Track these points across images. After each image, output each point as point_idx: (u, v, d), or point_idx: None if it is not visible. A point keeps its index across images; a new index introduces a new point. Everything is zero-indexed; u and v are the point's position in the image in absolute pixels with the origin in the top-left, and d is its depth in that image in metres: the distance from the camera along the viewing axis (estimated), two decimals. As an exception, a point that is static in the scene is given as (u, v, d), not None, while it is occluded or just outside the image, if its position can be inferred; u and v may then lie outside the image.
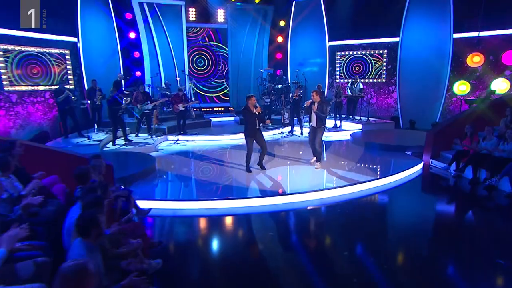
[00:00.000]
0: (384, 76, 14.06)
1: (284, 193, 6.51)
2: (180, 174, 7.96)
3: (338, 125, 12.46)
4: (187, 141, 11.30)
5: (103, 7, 12.58)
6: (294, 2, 15.14)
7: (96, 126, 11.31)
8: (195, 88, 15.01)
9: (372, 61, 14.17)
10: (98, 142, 9.61)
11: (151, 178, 7.48)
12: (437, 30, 12.51)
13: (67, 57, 11.36)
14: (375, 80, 14.28)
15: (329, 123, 12.68)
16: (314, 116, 7.71)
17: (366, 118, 12.96)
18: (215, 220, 5.87)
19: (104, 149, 9.68)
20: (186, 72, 14.76)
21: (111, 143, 10.11)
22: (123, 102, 9.70)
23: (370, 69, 14.28)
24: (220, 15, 15.11)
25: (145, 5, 13.63)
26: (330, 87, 15.03)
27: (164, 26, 14.15)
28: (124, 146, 9.86)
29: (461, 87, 12.17)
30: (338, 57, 14.75)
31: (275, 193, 6.49)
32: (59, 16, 10.79)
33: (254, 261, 4.58)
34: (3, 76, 9.57)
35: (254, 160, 7.96)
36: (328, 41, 14.74)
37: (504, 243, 4.96)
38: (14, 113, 9.99)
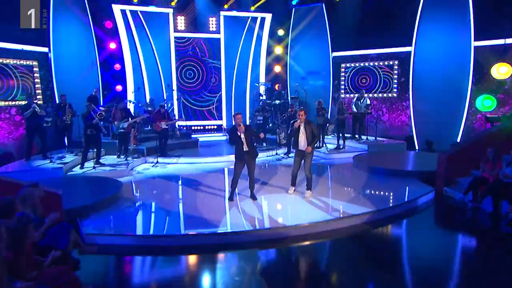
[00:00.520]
0: (395, 90, 13.61)
1: (259, 228, 6.00)
2: (149, 202, 7.56)
3: (341, 146, 11.95)
4: (168, 163, 10.92)
5: (79, 13, 12.47)
6: (293, 8, 14.95)
7: (66, 147, 10.99)
8: (185, 101, 14.74)
9: (381, 73, 13.76)
10: (62, 166, 9.24)
11: (114, 207, 7.06)
12: (455, 37, 12.08)
13: (35, 69, 11.18)
14: (385, 95, 13.82)
15: (331, 143, 12.41)
16: (302, 138, 7.40)
17: (374, 138, 12.43)
18: (177, 259, 5.37)
19: (70, 173, 9.30)
20: (174, 87, 14.53)
21: (79, 166, 9.77)
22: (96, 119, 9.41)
23: (378, 83, 13.86)
24: (212, 24, 14.96)
25: (128, 12, 13.55)
26: (335, 103, 14.60)
27: (149, 35, 14.03)
28: (93, 170, 9.47)
29: (486, 102, 11.61)
30: (343, 69, 14.38)
31: (254, 227, 6.05)
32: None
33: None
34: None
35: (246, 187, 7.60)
36: (332, 52, 14.41)
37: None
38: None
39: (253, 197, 7.44)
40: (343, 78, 14.47)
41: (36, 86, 11.30)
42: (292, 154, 11.55)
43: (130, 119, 10.56)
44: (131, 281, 5.03)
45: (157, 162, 10.83)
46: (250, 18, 14.97)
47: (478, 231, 6.51)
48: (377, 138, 12.40)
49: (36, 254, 3.97)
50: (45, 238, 4.29)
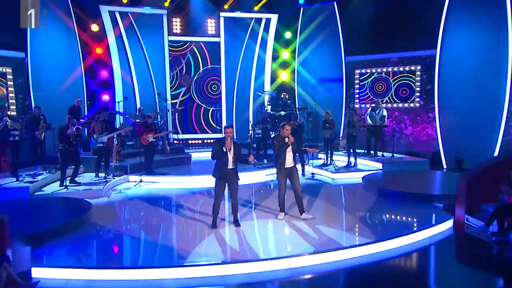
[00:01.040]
0: (418, 99, 13.02)
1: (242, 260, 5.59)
2: (117, 229, 7.20)
3: (352, 164, 11.43)
4: (153, 182, 10.64)
5: (62, 15, 12.43)
6: (301, 8, 14.64)
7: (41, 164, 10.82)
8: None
9: (402, 80, 13.22)
10: (29, 184, 9.04)
11: (75, 234, 6.74)
12: (489, 37, 11.44)
13: (8, 76, 11.13)
14: (406, 105, 13.24)
15: (340, 160, 11.96)
16: (290, 155, 7.24)
17: (391, 155, 11.85)
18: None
19: (38, 193, 9.09)
20: (169, 97, 14.38)
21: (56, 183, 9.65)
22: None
23: (398, 91, 13.32)
24: (211, 26, 14.79)
25: (117, 14, 13.52)
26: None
27: (141, 39, 13.97)
28: (65, 190, 9.24)
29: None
30: (357, 76, 13.91)
31: (236, 260, 5.69)
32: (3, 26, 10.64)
33: None
34: None
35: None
36: (345, 56, 13.98)
37: None
38: None
39: (236, 223, 7.06)
40: (357, 86, 13.97)
41: (10, 95, 11.22)
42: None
43: (112, 132, 10.36)
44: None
45: (141, 181, 10.56)
46: (253, 19, 14.75)
47: (505, 272, 5.88)
48: (394, 155, 11.81)
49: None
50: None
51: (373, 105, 12.44)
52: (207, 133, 15.29)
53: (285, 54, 15.22)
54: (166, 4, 13.88)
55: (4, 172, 10.03)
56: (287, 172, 7.31)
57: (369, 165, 11.59)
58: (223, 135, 6.92)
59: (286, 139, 7.19)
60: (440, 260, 6.46)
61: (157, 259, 5.96)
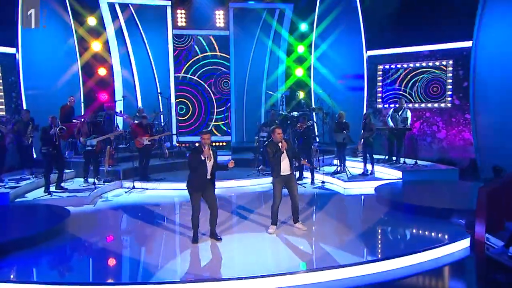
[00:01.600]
0: (449, 99, 12.57)
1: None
2: (93, 240, 7.24)
3: (368, 172, 11.15)
4: (146, 189, 10.75)
5: (57, 8, 12.71)
6: (319, -4, 14.50)
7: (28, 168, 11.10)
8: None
9: (432, 76, 12.80)
10: (9, 190, 9.29)
11: (47, 245, 6.86)
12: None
13: (-4, 74, 11.48)
14: (435, 105, 12.80)
15: (357, 167, 11.77)
16: (286, 161, 7.22)
17: (414, 162, 11.49)
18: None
19: (19, 199, 9.33)
20: (173, 96, 14.52)
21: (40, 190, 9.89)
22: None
23: (427, 89, 12.91)
24: (220, 18, 14.83)
25: (116, 6, 13.75)
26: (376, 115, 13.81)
27: (143, 34, 14.15)
28: (48, 196, 9.44)
29: None
30: (380, 72, 13.57)
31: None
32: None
33: None
34: None
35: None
36: (366, 51, 13.69)
37: None
38: None
39: (216, 237, 7.01)
40: (379, 84, 13.64)
41: (-1, 94, 11.58)
42: (305, 181, 11.05)
43: (100, 134, 10.52)
44: None
45: (133, 187, 10.67)
46: (266, 10, 14.68)
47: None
48: (418, 162, 11.44)
49: None
50: None
51: (397, 105, 12.10)
52: (215, 135, 15.31)
53: (300, 49, 15.05)
54: (170, -6, 14.02)
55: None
56: (283, 180, 7.29)
57: (389, 174, 11.24)
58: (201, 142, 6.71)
59: (280, 145, 7.11)
60: (451, 285, 6.19)
61: (123, 275, 6.07)
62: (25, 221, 7.92)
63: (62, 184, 10.09)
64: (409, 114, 11.73)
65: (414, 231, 7.63)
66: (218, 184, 9.65)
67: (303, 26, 15.04)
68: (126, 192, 10.47)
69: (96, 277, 6.02)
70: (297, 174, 11.28)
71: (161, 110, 13.97)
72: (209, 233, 7.07)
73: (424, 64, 12.91)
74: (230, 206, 9.41)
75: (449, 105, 12.58)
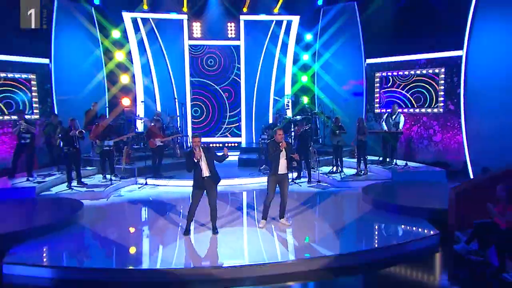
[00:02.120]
0: (442, 104, 12.43)
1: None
2: (99, 230, 7.59)
3: (362, 172, 11.17)
4: (158, 185, 11.08)
5: (85, 22, 13.23)
6: (322, 9, 14.51)
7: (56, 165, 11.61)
8: None
9: (425, 84, 12.69)
10: (36, 185, 9.79)
11: (60, 234, 7.27)
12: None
13: (32, 82, 12.06)
14: (429, 110, 12.69)
15: (352, 168, 11.81)
16: (284, 160, 7.36)
17: (405, 163, 11.43)
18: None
19: (44, 193, 9.81)
20: (188, 101, 14.83)
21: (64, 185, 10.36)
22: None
23: (422, 96, 12.82)
24: (231, 30, 15.07)
25: (138, 20, 14.16)
26: (372, 119, 13.80)
27: (161, 44, 14.51)
28: (70, 190, 9.90)
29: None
30: (377, 79, 13.53)
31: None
32: (28, 34, 11.53)
33: None
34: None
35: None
36: (365, 59, 13.67)
37: None
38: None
39: (214, 231, 7.23)
40: (377, 90, 13.60)
41: (34, 100, 12.15)
42: (303, 180, 11.17)
43: (116, 136, 10.92)
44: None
45: (146, 183, 11.03)
46: (274, 22, 14.83)
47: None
48: (408, 164, 11.39)
49: None
50: None
51: (389, 110, 12.09)
52: (227, 137, 15.58)
53: (305, 57, 15.13)
54: (184, 9, 14.29)
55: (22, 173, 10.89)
56: (278, 179, 7.44)
57: (381, 174, 11.23)
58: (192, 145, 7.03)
59: (280, 144, 7.30)
60: (417, 278, 6.22)
61: (114, 261, 6.39)
62: (43, 212, 8.34)
63: (83, 180, 10.57)
64: (402, 118, 11.70)
65: (391, 227, 7.72)
66: (223, 181, 10.18)
67: (308, 37, 15.09)
68: (139, 188, 10.82)
69: (95, 262, 6.35)
70: (295, 174, 11.48)
71: (177, 114, 14.29)
72: (208, 225, 7.42)
73: (418, 72, 12.81)
74: (231, 202, 9.57)
75: (441, 110, 12.44)
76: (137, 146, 13.05)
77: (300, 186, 10.85)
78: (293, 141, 11.81)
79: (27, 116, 11.35)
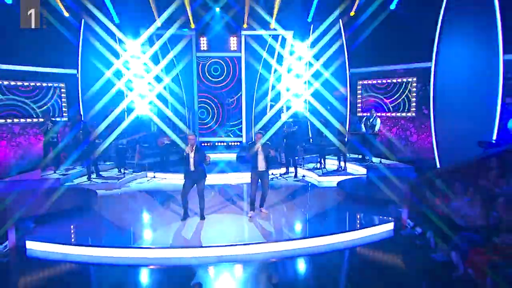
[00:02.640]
0: (414, 109, 12.78)
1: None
2: (108, 215, 8.32)
3: (342, 168, 11.62)
4: (165, 178, 11.69)
5: (108, 39, 13.93)
6: (312, 25, 14.94)
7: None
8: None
9: (400, 91, 13.04)
10: (62, 176, 10.53)
11: (76, 217, 8.04)
12: (480, 51, 11.02)
13: (62, 90, 12.84)
14: (403, 114, 13.03)
15: (334, 165, 12.16)
16: (261, 159, 7.86)
17: (379, 161, 11.83)
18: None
19: (67, 184, 10.51)
20: (196, 107, 15.41)
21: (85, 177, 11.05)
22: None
23: (395, 101, 13.16)
24: (233, 43, 15.60)
25: (154, 36, 14.81)
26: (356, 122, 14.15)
27: (173, 56, 15.09)
28: (89, 182, 10.61)
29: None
30: (360, 87, 13.91)
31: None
32: (58, 48, 12.38)
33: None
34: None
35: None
36: (349, 69, 14.06)
37: None
38: (16, 144, 11.56)
39: (201, 217, 7.84)
40: (359, 96, 13.98)
41: (63, 105, 12.95)
42: (290, 175, 11.63)
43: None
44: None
45: (154, 177, 11.68)
46: (271, 36, 15.30)
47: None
48: (382, 161, 11.78)
49: None
50: None
51: (368, 114, 12.50)
52: (229, 136, 16.16)
53: (298, 67, 15.55)
54: (192, 26, 14.88)
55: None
56: (258, 175, 7.95)
57: (359, 171, 11.64)
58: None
59: (255, 147, 7.85)
60: (373, 258, 6.66)
61: (116, 241, 6.90)
62: (63, 200, 8.89)
63: (101, 173, 11.28)
64: (378, 121, 12.09)
65: (355, 215, 8.21)
66: (218, 176, 10.83)
67: (301, 48, 15.48)
68: (147, 180, 11.50)
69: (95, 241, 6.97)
70: (284, 169, 11.96)
71: (186, 115, 14.83)
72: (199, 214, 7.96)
73: (395, 81, 13.17)
74: (224, 194, 9.95)
75: (414, 114, 12.77)
76: (146, 144, 13.66)
77: (287, 180, 11.33)
78: (282, 139, 12.27)
79: (57, 119, 12.13)
